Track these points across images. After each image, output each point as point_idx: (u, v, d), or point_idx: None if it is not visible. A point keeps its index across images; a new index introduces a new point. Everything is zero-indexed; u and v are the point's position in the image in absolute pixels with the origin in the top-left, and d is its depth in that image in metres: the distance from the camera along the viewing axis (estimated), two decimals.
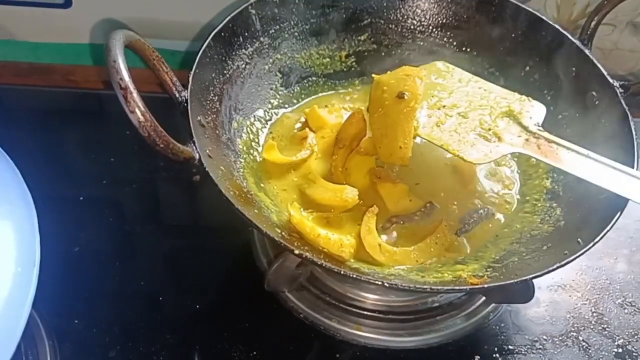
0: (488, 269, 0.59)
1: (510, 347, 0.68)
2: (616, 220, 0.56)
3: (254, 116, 0.73)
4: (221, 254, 0.74)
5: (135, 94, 0.48)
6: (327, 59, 0.79)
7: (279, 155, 0.69)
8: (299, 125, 0.76)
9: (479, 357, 0.66)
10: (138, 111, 0.48)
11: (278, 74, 0.76)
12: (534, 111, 0.66)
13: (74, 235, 0.73)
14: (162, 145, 0.50)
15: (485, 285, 0.52)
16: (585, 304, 0.73)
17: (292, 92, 0.77)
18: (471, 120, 0.65)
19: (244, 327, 0.67)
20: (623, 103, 0.65)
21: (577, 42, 0.71)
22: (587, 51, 0.70)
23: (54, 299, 0.65)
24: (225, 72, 0.68)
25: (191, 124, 0.57)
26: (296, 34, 0.76)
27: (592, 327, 0.71)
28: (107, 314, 0.67)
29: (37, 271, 0.43)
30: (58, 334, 0.64)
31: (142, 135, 0.49)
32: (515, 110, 0.65)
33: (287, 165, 0.70)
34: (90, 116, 0.88)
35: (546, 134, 0.63)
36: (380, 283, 0.50)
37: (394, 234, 0.66)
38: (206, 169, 0.54)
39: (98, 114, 0.90)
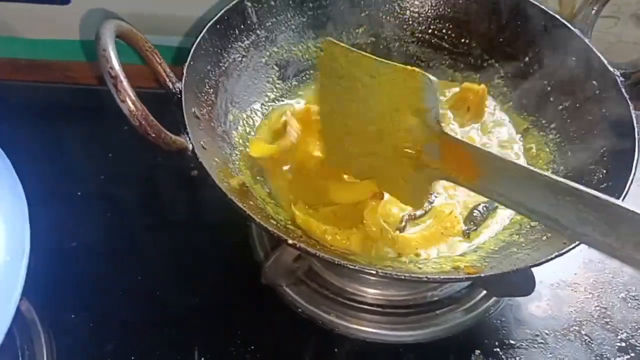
0: (486, 260, 0.58)
1: (512, 341, 0.67)
2: None
3: (251, 109, 0.72)
4: (219, 248, 0.74)
5: (125, 83, 0.47)
6: None
7: (265, 146, 0.68)
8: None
9: (479, 352, 0.65)
10: (129, 100, 0.47)
11: (275, 67, 0.75)
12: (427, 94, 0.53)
13: (71, 230, 0.73)
14: (153, 135, 0.49)
15: (482, 275, 0.51)
16: (588, 298, 0.72)
17: (289, 85, 0.77)
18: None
19: (241, 321, 0.66)
20: (624, 91, 0.64)
21: (577, 31, 0.70)
22: (587, 40, 0.69)
23: (51, 293, 0.66)
24: (220, 64, 0.67)
25: (185, 115, 0.57)
26: (293, 26, 0.75)
27: (594, 321, 0.70)
28: (104, 309, 0.66)
29: (27, 260, 0.43)
30: (55, 328, 0.63)
31: (133, 125, 0.48)
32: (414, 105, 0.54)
33: (280, 160, 0.69)
34: (89, 112, 0.87)
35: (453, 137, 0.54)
36: (374, 272, 0.49)
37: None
38: (199, 160, 0.54)
39: (96, 110, 0.89)
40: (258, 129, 0.72)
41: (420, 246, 0.62)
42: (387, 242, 0.61)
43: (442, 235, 0.64)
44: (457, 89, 0.76)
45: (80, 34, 0.89)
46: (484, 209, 0.67)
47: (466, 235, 0.64)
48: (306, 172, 0.68)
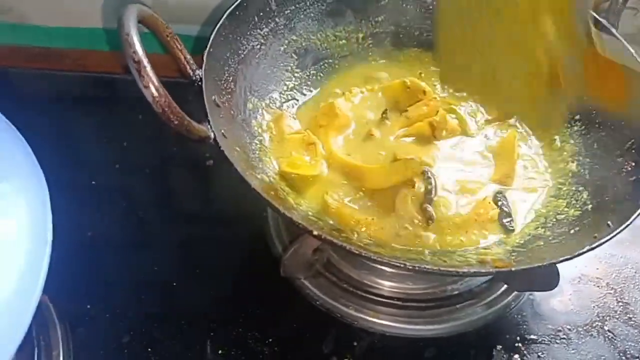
0: (513, 254, 0.57)
1: (533, 336, 0.66)
2: None
3: (269, 98, 0.71)
4: (236, 240, 0.72)
5: (149, 68, 0.46)
6: (344, 41, 0.77)
7: (300, 164, 0.66)
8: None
9: (500, 347, 0.64)
10: (152, 86, 0.46)
11: (293, 55, 0.74)
12: None
13: (86, 220, 0.72)
14: (176, 122, 0.48)
15: (513, 269, 0.50)
16: (610, 293, 0.71)
17: (307, 74, 0.76)
18: None
19: (259, 314, 0.65)
20: None
21: (604, 21, 0.68)
22: (613, 30, 0.67)
23: (67, 283, 0.64)
24: (240, 52, 0.66)
25: (206, 103, 0.56)
26: (312, 14, 0.74)
27: (617, 316, 0.68)
28: (120, 300, 0.65)
29: (50, 249, 0.42)
30: (71, 319, 0.63)
31: (156, 112, 0.47)
32: None
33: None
34: (103, 101, 0.87)
35: None
36: (401, 265, 0.48)
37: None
38: (221, 149, 0.53)
39: (111, 99, 0.89)
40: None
41: (451, 234, 0.61)
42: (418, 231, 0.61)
43: (475, 222, 0.63)
44: None
45: (94, 21, 0.88)
46: (502, 198, 0.65)
47: (505, 225, 0.63)
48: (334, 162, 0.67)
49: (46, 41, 0.90)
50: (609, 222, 0.53)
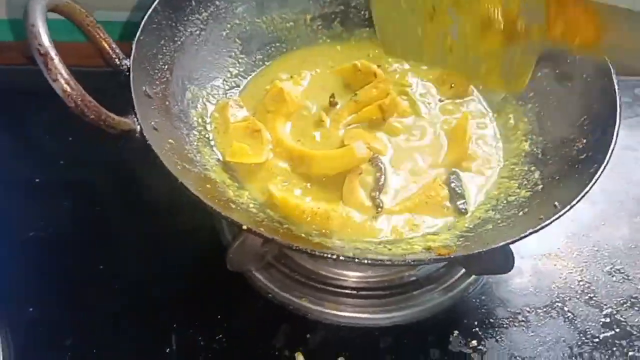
0: (460, 239, 0.55)
1: (492, 320, 0.64)
2: (594, 182, 0.52)
3: (211, 86, 0.68)
4: (188, 234, 0.70)
5: (57, 61, 0.43)
6: (291, 23, 0.75)
7: (245, 153, 0.64)
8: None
9: (457, 332, 0.63)
10: (61, 79, 0.44)
11: (237, 40, 0.71)
12: None
13: (29, 219, 0.70)
14: (92, 117, 0.46)
15: (453, 255, 0.48)
16: (571, 272, 0.69)
17: (253, 59, 0.73)
18: None
19: (210, 309, 0.64)
20: None
21: None
22: None
23: (8, 286, 0.63)
24: (176, 39, 0.63)
25: (133, 94, 0.53)
26: None
27: (578, 296, 0.67)
28: (63, 300, 0.64)
29: None
30: (11, 322, 0.61)
31: (69, 106, 0.44)
32: None
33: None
34: (46, 95, 0.83)
35: None
36: (335, 256, 0.46)
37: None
38: (148, 142, 0.50)
39: (54, 93, 0.86)
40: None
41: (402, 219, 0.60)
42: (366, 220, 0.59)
43: (426, 204, 0.61)
44: None
45: (7, 12, 0.84)
46: (455, 179, 0.64)
47: (458, 208, 0.62)
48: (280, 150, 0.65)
49: None
50: (555, 203, 0.51)
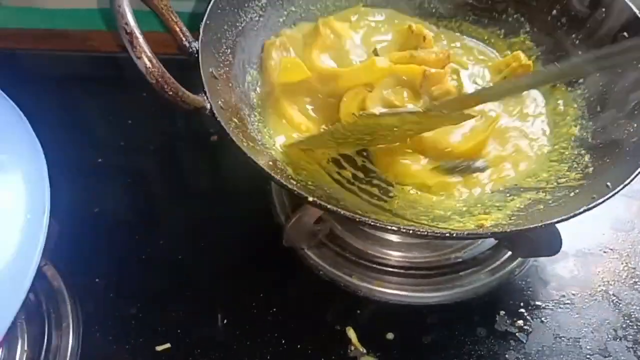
0: (512, 217, 0.57)
1: (537, 302, 0.66)
2: None
3: None
4: (241, 212, 0.73)
5: (141, 39, 0.46)
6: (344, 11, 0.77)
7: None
8: None
9: (504, 312, 0.65)
10: (145, 57, 0.47)
11: (293, 26, 0.74)
12: None
13: (93, 197, 0.73)
14: (170, 93, 0.48)
15: (508, 230, 0.50)
16: (615, 258, 0.70)
17: None
18: None
19: (263, 284, 0.66)
20: None
21: None
22: None
23: (76, 257, 0.66)
24: (237, 24, 0.66)
25: (202, 74, 0.56)
26: None
27: (623, 281, 0.68)
28: (127, 273, 0.67)
29: (47, 218, 0.43)
30: (79, 292, 0.64)
31: (150, 82, 0.47)
32: None
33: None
34: (107, 80, 0.87)
35: None
36: (396, 229, 0.49)
37: None
38: (217, 119, 0.53)
39: (115, 78, 0.90)
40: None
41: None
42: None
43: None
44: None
45: (98, 2, 0.88)
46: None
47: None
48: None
49: (50, 23, 0.91)
50: (607, 184, 0.53)
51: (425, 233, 0.48)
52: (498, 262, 0.68)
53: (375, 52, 0.70)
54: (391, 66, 0.66)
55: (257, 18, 0.69)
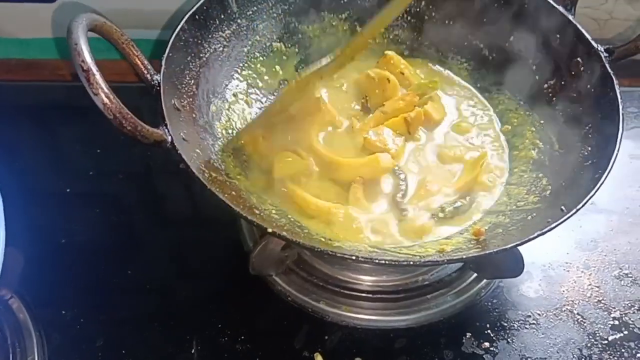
0: (472, 242, 0.58)
1: (503, 323, 0.67)
2: (599, 187, 0.54)
3: (234, 99, 0.72)
4: (211, 240, 0.73)
5: (98, 76, 0.47)
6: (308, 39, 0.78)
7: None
8: None
9: (470, 334, 0.65)
10: (102, 93, 0.47)
11: (257, 55, 0.75)
12: None
13: (60, 227, 0.73)
14: (129, 128, 0.49)
15: (465, 256, 0.51)
16: (580, 277, 0.71)
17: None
18: None
19: (232, 312, 0.66)
20: (608, 67, 0.63)
21: (560, 8, 0.69)
22: (570, 16, 0.68)
23: (41, 290, 0.66)
24: (201, 55, 0.67)
25: (163, 107, 0.56)
26: (275, 14, 0.75)
27: (587, 300, 0.69)
28: (95, 305, 0.66)
29: (3, 248, 0.43)
30: (45, 325, 0.64)
31: (108, 118, 0.48)
32: None
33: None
34: (75, 109, 0.87)
35: None
36: (354, 257, 0.49)
37: None
38: (178, 152, 0.53)
39: (83, 107, 0.89)
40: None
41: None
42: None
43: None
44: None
45: (53, 32, 0.88)
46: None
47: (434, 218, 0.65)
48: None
49: (23, 53, 0.91)
50: (562, 207, 0.54)
51: (384, 262, 0.49)
52: (464, 284, 0.69)
53: (365, 103, 0.73)
54: (392, 162, 0.67)
55: (221, 49, 0.70)
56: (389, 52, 0.75)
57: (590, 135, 0.62)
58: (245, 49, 0.73)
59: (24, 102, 0.89)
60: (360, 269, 0.69)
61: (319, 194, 0.64)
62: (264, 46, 0.75)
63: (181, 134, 0.57)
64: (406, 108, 0.71)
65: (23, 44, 0.91)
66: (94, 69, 0.47)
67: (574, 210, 0.52)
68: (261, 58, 0.75)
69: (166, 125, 0.55)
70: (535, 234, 0.51)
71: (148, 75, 0.58)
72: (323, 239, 0.58)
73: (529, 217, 0.58)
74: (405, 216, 0.64)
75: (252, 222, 0.51)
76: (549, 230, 0.51)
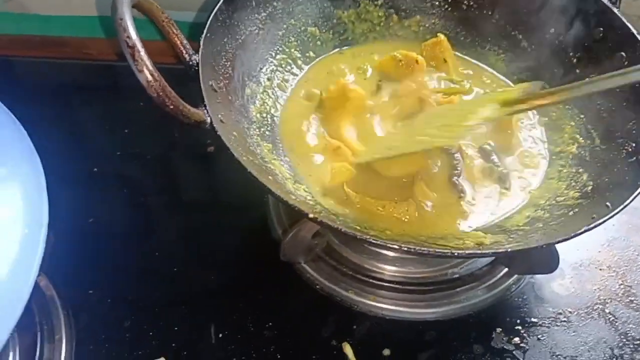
0: (511, 236, 0.57)
1: (534, 319, 0.66)
2: None
3: (268, 83, 0.71)
4: (237, 225, 0.73)
5: (142, 52, 0.46)
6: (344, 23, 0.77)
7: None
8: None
9: (500, 330, 0.64)
10: (146, 70, 0.46)
11: (292, 39, 0.74)
12: None
13: (88, 207, 0.72)
14: (171, 107, 0.48)
15: (509, 250, 0.50)
16: (612, 276, 0.70)
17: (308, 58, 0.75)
18: None
19: (259, 298, 0.66)
20: None
21: (605, 1, 0.67)
22: (615, 10, 0.66)
23: (69, 269, 0.65)
24: (237, 37, 0.66)
25: (202, 88, 0.55)
26: None
27: (619, 299, 0.68)
28: (121, 285, 0.66)
29: (45, 232, 0.42)
30: (73, 305, 0.63)
31: (151, 96, 0.47)
32: None
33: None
34: (104, 89, 0.87)
35: None
36: (397, 247, 0.48)
37: None
38: (218, 133, 0.53)
39: (112, 87, 0.89)
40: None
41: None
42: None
43: None
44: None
45: (92, 9, 0.88)
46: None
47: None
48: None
49: (46, 29, 0.90)
50: (607, 203, 0.53)
51: (426, 252, 0.48)
52: (495, 279, 0.68)
53: (380, 84, 0.72)
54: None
55: (256, 31, 0.69)
56: (441, 35, 0.74)
57: (634, 132, 0.60)
58: (280, 32, 0.72)
59: (51, 80, 0.89)
60: (389, 258, 0.68)
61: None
62: (299, 30, 0.74)
63: (219, 115, 0.56)
64: (419, 89, 0.70)
65: (46, 21, 0.90)
66: (139, 44, 0.46)
67: (620, 207, 0.51)
68: (295, 42, 0.74)
69: (205, 106, 0.54)
70: (582, 229, 0.50)
71: (187, 56, 0.58)
72: (359, 227, 0.57)
73: (571, 213, 0.57)
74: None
75: (294, 206, 0.50)
76: (595, 226, 0.50)
